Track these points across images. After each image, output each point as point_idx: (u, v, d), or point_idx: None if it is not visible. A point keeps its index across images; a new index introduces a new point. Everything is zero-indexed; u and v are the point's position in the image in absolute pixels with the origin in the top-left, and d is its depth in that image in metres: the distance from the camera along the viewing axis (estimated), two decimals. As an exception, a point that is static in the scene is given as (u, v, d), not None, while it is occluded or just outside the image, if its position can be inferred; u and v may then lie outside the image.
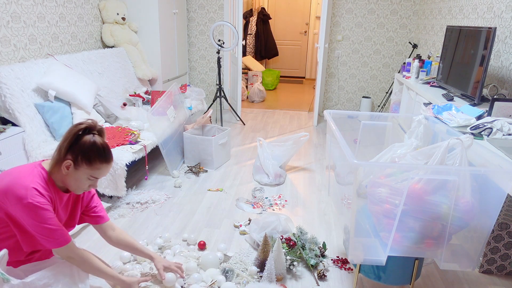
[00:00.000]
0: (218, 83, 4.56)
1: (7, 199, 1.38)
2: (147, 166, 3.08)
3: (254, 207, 2.71)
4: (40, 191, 1.41)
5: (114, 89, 3.66)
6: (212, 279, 1.85)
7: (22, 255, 1.51)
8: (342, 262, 2.12)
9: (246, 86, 6.38)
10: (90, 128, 1.47)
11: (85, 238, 2.28)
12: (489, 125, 1.91)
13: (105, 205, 2.54)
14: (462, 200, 1.50)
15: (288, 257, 2.02)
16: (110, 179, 2.55)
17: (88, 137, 1.45)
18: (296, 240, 2.15)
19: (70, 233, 1.72)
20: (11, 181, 1.39)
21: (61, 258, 1.53)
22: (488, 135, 1.89)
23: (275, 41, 7.95)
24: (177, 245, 2.18)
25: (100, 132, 1.51)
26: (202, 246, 2.22)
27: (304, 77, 8.49)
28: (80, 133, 1.45)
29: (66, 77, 2.87)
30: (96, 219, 1.70)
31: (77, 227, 2.27)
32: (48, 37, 3.19)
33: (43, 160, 1.53)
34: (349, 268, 2.09)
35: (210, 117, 3.67)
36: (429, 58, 3.88)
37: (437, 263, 1.65)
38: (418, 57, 3.86)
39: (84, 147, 1.44)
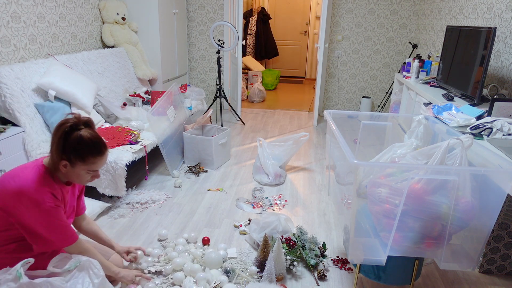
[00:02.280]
0: (218, 83, 4.56)
1: (21, 204, 1.39)
2: (147, 166, 3.08)
3: (254, 207, 2.71)
4: (53, 193, 1.44)
5: (114, 89, 3.66)
6: (215, 281, 1.86)
7: (30, 256, 1.52)
8: (342, 262, 2.12)
9: (246, 86, 6.38)
10: (75, 125, 1.45)
11: (85, 238, 2.28)
12: (489, 125, 1.91)
13: (105, 205, 2.54)
14: (462, 200, 1.50)
15: (288, 257, 2.02)
16: (110, 179, 2.55)
17: (75, 135, 1.43)
18: (296, 240, 2.15)
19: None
20: (23, 185, 1.40)
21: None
22: (488, 135, 1.89)
23: (275, 41, 7.95)
24: (180, 239, 2.22)
25: (87, 124, 1.49)
26: (206, 242, 2.23)
27: (304, 77, 8.49)
28: (67, 132, 1.43)
29: (66, 77, 2.87)
30: (79, 211, 1.78)
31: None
32: (48, 37, 3.19)
33: (44, 157, 1.54)
34: (349, 268, 2.09)
35: (210, 117, 3.67)
36: (429, 58, 3.88)
37: (437, 263, 1.65)
38: (418, 57, 3.86)
39: (73, 146, 1.43)
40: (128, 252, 1.93)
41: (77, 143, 1.43)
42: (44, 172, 1.47)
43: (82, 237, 1.79)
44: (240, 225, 2.44)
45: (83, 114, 2.87)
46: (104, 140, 1.53)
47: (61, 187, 1.53)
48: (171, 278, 1.90)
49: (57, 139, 1.43)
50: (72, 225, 1.75)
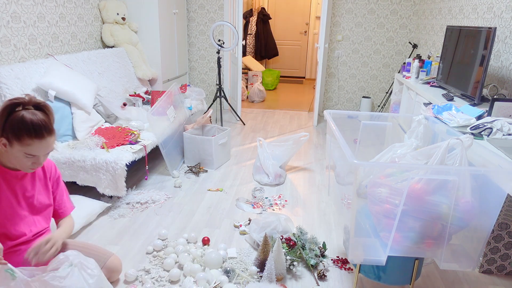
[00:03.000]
0: (218, 83, 4.56)
1: None
2: (147, 166, 3.08)
3: (254, 207, 2.71)
4: None
5: (114, 89, 3.66)
6: (215, 281, 1.86)
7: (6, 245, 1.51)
8: (342, 262, 2.12)
9: (246, 86, 6.38)
10: (24, 104, 1.42)
11: (85, 238, 2.28)
12: (489, 125, 1.91)
13: (105, 205, 2.54)
14: (462, 200, 1.50)
15: (288, 257, 2.02)
16: (110, 179, 2.55)
17: (17, 113, 1.40)
18: (296, 240, 2.15)
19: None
20: None
21: None
22: (488, 135, 1.89)
23: (275, 41, 7.95)
24: (181, 239, 2.21)
25: (39, 107, 1.46)
26: (206, 241, 2.23)
27: (304, 77, 8.49)
28: (10, 109, 1.40)
29: (66, 77, 2.87)
30: (60, 212, 1.74)
31: (77, 227, 2.27)
32: (48, 37, 3.19)
33: None
34: (349, 268, 2.09)
35: (210, 117, 3.67)
36: (429, 58, 3.88)
37: (437, 263, 1.65)
38: (418, 57, 3.86)
39: (12, 124, 1.39)
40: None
41: (16, 121, 1.39)
42: None
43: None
44: (240, 225, 2.44)
45: (83, 114, 2.88)
46: (51, 127, 1.48)
47: (3, 170, 1.50)
48: (167, 272, 1.91)
49: (0, 114, 1.40)
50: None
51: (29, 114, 1.40)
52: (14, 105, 1.41)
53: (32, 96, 1.46)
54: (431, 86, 3.23)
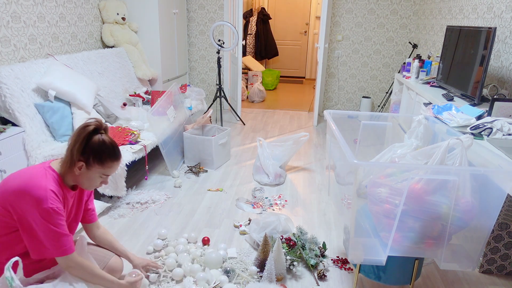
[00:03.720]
0: (218, 83, 4.56)
1: (23, 201, 1.38)
2: (147, 166, 3.08)
3: (254, 207, 2.71)
4: (57, 194, 1.43)
5: (114, 89, 3.66)
6: (215, 281, 1.86)
7: (28, 263, 1.51)
8: (342, 262, 2.12)
9: (246, 86, 6.38)
10: (97, 128, 1.51)
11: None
12: (489, 125, 1.91)
13: (105, 205, 2.54)
14: (462, 200, 1.50)
15: (288, 257, 2.02)
16: (110, 179, 2.55)
17: (97, 138, 1.49)
18: (296, 240, 2.15)
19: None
20: (26, 182, 1.39)
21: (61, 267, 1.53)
22: (488, 135, 1.89)
23: (275, 41, 7.95)
24: (181, 239, 2.22)
25: (106, 130, 1.55)
26: (206, 242, 2.23)
27: (304, 77, 8.49)
28: (90, 133, 1.49)
29: (66, 77, 2.87)
30: (90, 218, 1.77)
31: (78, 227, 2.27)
32: (48, 37, 3.19)
33: (51, 161, 1.56)
34: (349, 268, 2.09)
35: (210, 117, 3.67)
36: (429, 58, 3.89)
37: (437, 263, 1.65)
38: (418, 57, 3.86)
39: (95, 148, 1.48)
40: (146, 267, 1.90)
41: (98, 145, 1.48)
42: (52, 174, 1.48)
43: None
44: (240, 225, 2.44)
45: (83, 114, 2.88)
46: None
47: (66, 191, 1.53)
48: (170, 271, 1.92)
49: (81, 140, 1.47)
50: (84, 235, 1.73)
51: (108, 138, 1.51)
52: (93, 131, 1.48)
53: (99, 119, 1.54)
54: (431, 86, 3.23)
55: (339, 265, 2.10)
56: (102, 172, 1.53)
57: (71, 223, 1.64)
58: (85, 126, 1.49)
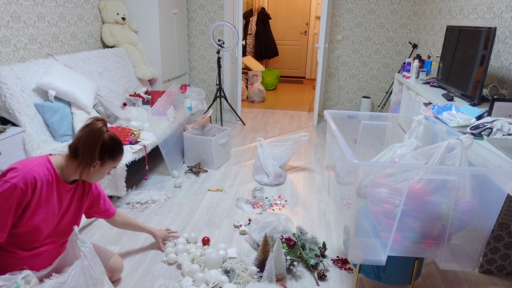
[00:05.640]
0: (218, 83, 4.56)
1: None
2: (147, 166, 3.08)
3: (254, 207, 2.71)
4: (37, 180, 1.42)
5: (114, 89, 3.66)
6: (214, 281, 1.86)
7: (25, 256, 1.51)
8: (342, 262, 2.12)
9: (246, 86, 6.38)
10: (105, 127, 1.56)
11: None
12: (489, 125, 1.91)
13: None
14: (462, 200, 1.50)
15: (288, 257, 2.02)
16: (110, 179, 2.55)
17: (107, 136, 1.54)
18: (296, 240, 2.15)
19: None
20: (17, 161, 1.46)
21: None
22: (488, 135, 1.89)
23: (275, 41, 7.95)
24: (181, 239, 2.22)
25: (105, 125, 1.60)
26: (206, 242, 2.23)
27: (304, 77, 8.49)
28: (101, 134, 1.53)
29: (66, 77, 2.87)
30: (108, 215, 1.92)
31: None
32: (48, 37, 3.19)
33: (50, 154, 1.57)
34: (349, 268, 2.09)
35: (210, 117, 3.67)
36: (429, 58, 3.89)
37: (437, 263, 1.65)
38: (418, 57, 3.86)
39: (108, 147, 1.55)
40: (167, 233, 2.24)
41: (110, 143, 1.56)
42: (47, 164, 1.50)
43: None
44: (240, 225, 2.44)
45: (83, 114, 2.88)
46: None
47: (60, 184, 1.54)
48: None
49: (100, 143, 1.52)
50: (107, 221, 1.96)
51: (113, 133, 1.58)
52: (104, 132, 1.53)
53: (102, 117, 1.60)
54: (431, 86, 3.23)
55: (339, 265, 2.10)
56: (113, 166, 1.62)
57: (62, 218, 1.62)
58: (98, 129, 1.52)
